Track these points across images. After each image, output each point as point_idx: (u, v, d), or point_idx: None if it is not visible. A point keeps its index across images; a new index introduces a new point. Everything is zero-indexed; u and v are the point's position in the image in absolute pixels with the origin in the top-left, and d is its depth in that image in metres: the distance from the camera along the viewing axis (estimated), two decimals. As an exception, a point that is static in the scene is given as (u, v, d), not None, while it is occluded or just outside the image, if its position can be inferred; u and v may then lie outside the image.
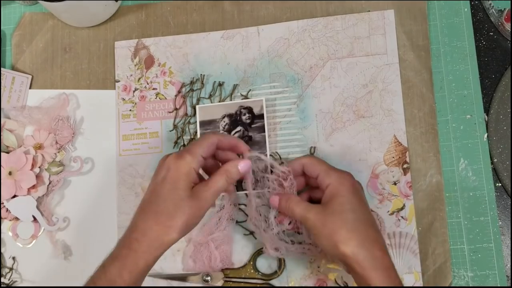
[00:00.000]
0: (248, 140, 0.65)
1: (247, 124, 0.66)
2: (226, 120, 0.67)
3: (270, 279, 0.63)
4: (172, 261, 0.66)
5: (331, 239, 0.52)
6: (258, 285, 0.64)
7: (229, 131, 0.66)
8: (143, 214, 0.53)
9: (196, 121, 0.67)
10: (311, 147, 0.65)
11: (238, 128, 0.66)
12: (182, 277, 0.64)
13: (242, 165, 0.56)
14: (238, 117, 0.66)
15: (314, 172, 0.57)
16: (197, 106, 0.67)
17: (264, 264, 0.64)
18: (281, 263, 0.63)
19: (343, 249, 0.51)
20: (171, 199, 0.52)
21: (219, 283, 0.64)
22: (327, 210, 0.53)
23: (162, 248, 0.52)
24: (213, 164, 0.59)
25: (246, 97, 0.67)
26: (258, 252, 0.64)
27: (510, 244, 0.63)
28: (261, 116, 0.66)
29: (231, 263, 0.64)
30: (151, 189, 0.54)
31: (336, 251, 0.52)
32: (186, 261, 0.65)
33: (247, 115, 0.66)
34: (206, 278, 0.64)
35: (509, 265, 0.62)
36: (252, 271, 0.64)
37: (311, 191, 0.61)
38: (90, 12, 0.69)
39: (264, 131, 0.65)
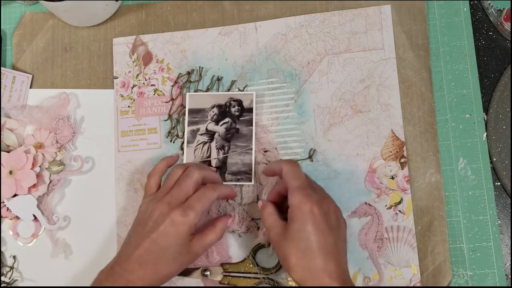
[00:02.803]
0: (235, 133, 0.66)
1: (236, 116, 0.66)
2: (215, 110, 0.67)
3: (270, 273, 0.64)
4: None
5: (284, 261, 0.55)
6: (258, 279, 0.64)
7: (217, 121, 0.67)
8: (141, 261, 0.56)
9: (190, 112, 0.68)
10: (311, 149, 0.66)
11: (226, 120, 0.67)
12: (182, 272, 0.64)
13: (230, 221, 0.63)
14: (228, 109, 0.67)
15: (286, 184, 0.57)
16: (187, 94, 0.68)
17: (264, 259, 0.65)
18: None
19: (292, 275, 0.54)
20: (171, 253, 0.56)
21: (218, 278, 0.64)
22: (284, 234, 0.55)
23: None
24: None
25: (241, 91, 0.68)
26: (258, 247, 0.64)
27: (509, 243, 0.63)
28: (250, 110, 0.66)
29: (229, 257, 0.65)
30: (153, 239, 0.56)
31: (288, 272, 0.55)
32: None
33: (236, 107, 0.67)
34: (206, 273, 0.64)
35: (508, 264, 0.62)
36: (251, 265, 0.64)
37: None
38: (91, 11, 0.69)
39: (251, 125, 0.66)
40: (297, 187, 0.55)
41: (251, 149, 0.65)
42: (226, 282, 0.64)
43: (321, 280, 0.52)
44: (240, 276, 0.64)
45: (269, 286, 0.64)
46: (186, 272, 0.64)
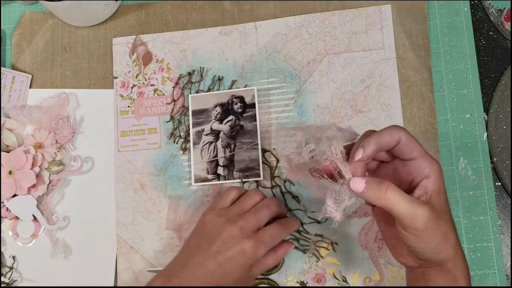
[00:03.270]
0: (240, 129, 0.66)
1: (239, 113, 0.67)
2: (218, 109, 0.67)
3: (270, 274, 0.64)
4: (171, 257, 0.66)
5: (441, 243, 0.45)
6: (258, 279, 0.64)
7: (221, 120, 0.67)
8: (203, 281, 0.55)
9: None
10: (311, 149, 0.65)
11: (230, 117, 0.67)
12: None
13: (292, 248, 0.62)
14: (230, 106, 0.67)
15: (409, 153, 0.46)
16: (189, 95, 0.68)
17: None
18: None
19: (451, 252, 0.46)
20: (234, 279, 0.55)
21: None
22: (437, 210, 0.44)
23: None
24: None
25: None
26: None
27: (509, 243, 0.63)
28: (252, 105, 0.66)
29: None
30: (220, 263, 0.55)
31: (440, 255, 0.45)
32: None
33: (238, 104, 0.67)
34: None
35: (508, 264, 0.62)
36: None
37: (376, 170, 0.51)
38: (90, 11, 0.69)
39: (255, 120, 0.66)
40: (426, 153, 0.46)
41: (257, 144, 0.65)
42: None
43: (462, 253, 0.47)
44: None
45: (269, 286, 0.64)
46: None
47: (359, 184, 0.45)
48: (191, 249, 0.57)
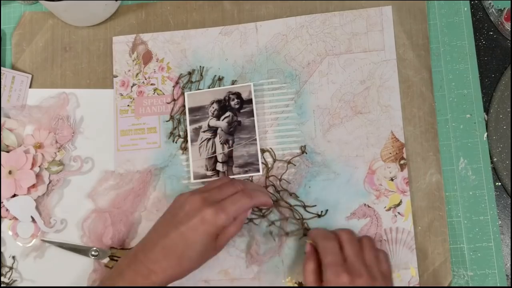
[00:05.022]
0: (238, 125, 0.66)
1: (236, 109, 0.67)
2: (215, 106, 0.67)
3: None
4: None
5: None
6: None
7: (218, 116, 0.67)
8: (166, 252, 0.56)
9: (192, 113, 0.68)
10: (301, 146, 0.65)
11: (227, 114, 0.67)
12: (73, 248, 0.66)
13: (249, 213, 0.62)
14: (227, 103, 0.67)
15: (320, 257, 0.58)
16: (185, 93, 0.68)
17: None
18: None
19: None
20: (198, 249, 0.56)
21: (105, 260, 0.65)
22: None
23: (173, 282, 0.57)
24: None
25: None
26: None
27: (509, 243, 0.63)
28: (249, 101, 0.66)
29: (121, 244, 0.66)
30: (181, 232, 0.56)
31: None
32: (84, 228, 0.67)
33: (235, 100, 0.67)
34: (94, 254, 0.65)
35: (508, 264, 0.62)
36: None
37: None
38: (90, 11, 0.69)
39: (253, 116, 0.66)
40: (328, 264, 0.56)
41: (255, 139, 0.65)
42: (110, 266, 0.65)
43: None
44: None
45: (268, 286, 0.64)
46: (78, 250, 0.66)
47: (306, 247, 0.61)
48: (157, 224, 0.59)
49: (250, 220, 0.65)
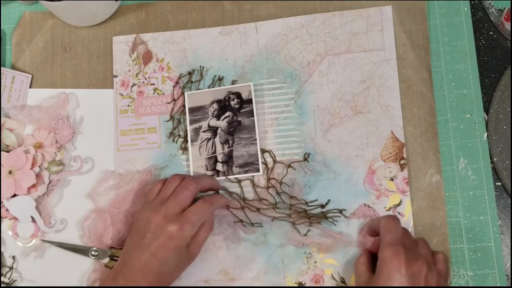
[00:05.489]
0: (238, 125, 0.66)
1: (236, 109, 0.67)
2: (215, 106, 0.67)
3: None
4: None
5: None
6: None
7: (218, 116, 0.67)
8: (144, 273, 0.57)
9: (192, 113, 0.68)
10: (305, 153, 0.65)
11: (227, 114, 0.67)
12: (73, 248, 0.66)
13: (215, 213, 0.64)
14: (227, 103, 0.67)
15: (381, 237, 0.58)
16: (185, 93, 0.68)
17: None
18: None
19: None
20: (172, 263, 0.58)
21: (105, 260, 0.65)
22: (369, 285, 0.56)
23: None
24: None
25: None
26: None
27: (509, 243, 0.63)
28: (249, 101, 0.66)
29: (121, 244, 0.66)
30: (152, 252, 0.57)
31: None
32: (84, 228, 0.67)
33: (235, 100, 0.67)
34: (94, 254, 0.65)
35: (508, 264, 0.62)
36: None
37: None
38: (90, 11, 0.69)
39: (253, 116, 0.66)
40: (388, 242, 0.55)
41: (256, 139, 0.65)
42: (110, 266, 0.65)
43: None
44: None
45: (269, 286, 0.64)
46: (78, 250, 0.66)
47: (363, 248, 0.63)
48: (129, 246, 0.60)
49: (240, 221, 0.65)
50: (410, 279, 0.53)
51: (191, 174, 0.66)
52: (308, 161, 0.65)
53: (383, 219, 0.58)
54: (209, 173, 0.66)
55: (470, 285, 0.62)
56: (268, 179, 0.65)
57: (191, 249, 0.60)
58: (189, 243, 0.59)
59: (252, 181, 0.66)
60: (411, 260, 0.54)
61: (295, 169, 0.65)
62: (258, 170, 0.65)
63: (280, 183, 0.65)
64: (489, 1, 0.67)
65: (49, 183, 0.68)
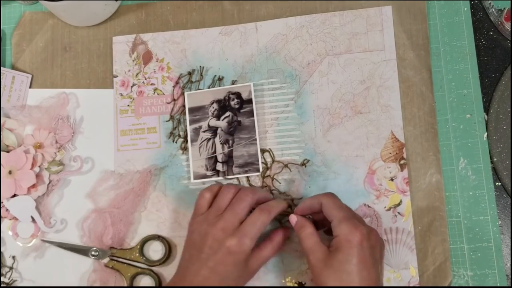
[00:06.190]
0: (238, 125, 0.66)
1: (236, 109, 0.67)
2: (215, 106, 0.67)
3: (153, 266, 0.65)
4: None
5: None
6: (141, 269, 0.65)
7: (218, 116, 0.67)
8: None
9: (192, 113, 0.68)
10: (305, 159, 0.65)
11: (227, 114, 0.67)
12: (73, 248, 0.66)
13: (288, 234, 0.62)
14: (227, 103, 0.67)
15: (329, 216, 0.56)
16: (185, 93, 0.68)
17: (152, 250, 0.66)
18: (166, 251, 0.65)
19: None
20: (231, 278, 0.56)
21: (105, 260, 0.66)
22: (327, 262, 0.54)
23: None
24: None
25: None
26: (148, 238, 0.65)
27: (510, 244, 0.63)
28: (249, 101, 0.66)
29: (121, 244, 0.66)
30: (211, 268, 0.56)
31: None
32: (84, 228, 0.67)
33: (235, 100, 0.67)
34: (94, 253, 0.65)
35: (508, 264, 0.62)
36: (137, 254, 0.65)
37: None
38: (90, 11, 0.69)
39: (253, 116, 0.66)
40: (344, 217, 0.54)
41: (255, 139, 0.65)
42: (110, 266, 0.65)
43: None
44: (124, 263, 0.65)
45: (270, 286, 0.64)
46: (78, 250, 0.66)
47: (292, 218, 0.59)
48: (185, 261, 0.58)
49: None
50: (371, 251, 0.53)
51: (191, 174, 0.66)
52: (305, 167, 0.65)
53: (324, 198, 0.57)
54: (209, 173, 0.66)
55: (470, 285, 0.62)
56: (264, 177, 0.65)
57: (252, 264, 0.58)
58: (249, 257, 0.57)
59: (248, 180, 0.66)
60: (368, 232, 0.54)
61: (291, 171, 0.65)
62: (258, 170, 0.65)
63: (272, 178, 0.65)
64: (489, 1, 0.67)
65: (49, 183, 0.68)
